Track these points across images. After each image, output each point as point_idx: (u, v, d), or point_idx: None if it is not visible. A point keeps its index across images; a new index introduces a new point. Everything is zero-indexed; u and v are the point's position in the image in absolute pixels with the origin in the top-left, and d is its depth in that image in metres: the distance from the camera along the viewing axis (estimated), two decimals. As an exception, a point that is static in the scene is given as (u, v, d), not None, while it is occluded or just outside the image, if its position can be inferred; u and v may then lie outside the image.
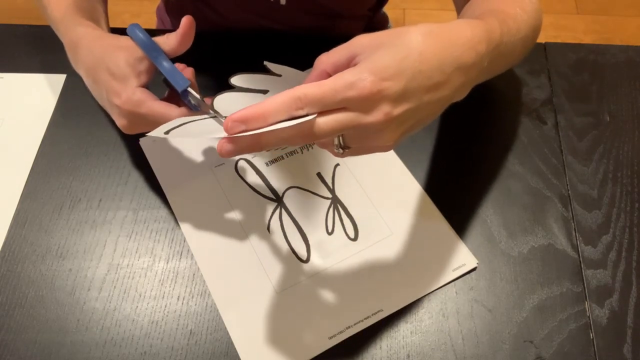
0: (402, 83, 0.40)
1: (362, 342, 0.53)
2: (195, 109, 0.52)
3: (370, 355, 0.53)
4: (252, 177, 0.63)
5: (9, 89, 0.71)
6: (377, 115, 0.40)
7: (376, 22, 0.91)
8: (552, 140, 0.66)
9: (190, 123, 0.49)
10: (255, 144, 0.40)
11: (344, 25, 0.82)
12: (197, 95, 0.51)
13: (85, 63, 0.54)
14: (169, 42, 0.53)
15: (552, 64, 0.72)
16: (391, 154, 0.64)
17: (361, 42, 0.41)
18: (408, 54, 0.40)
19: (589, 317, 0.54)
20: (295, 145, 0.45)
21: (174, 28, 0.88)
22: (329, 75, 0.42)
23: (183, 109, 0.51)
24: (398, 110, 0.40)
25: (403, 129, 0.42)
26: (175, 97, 0.54)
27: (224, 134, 0.40)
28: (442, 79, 0.41)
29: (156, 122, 0.50)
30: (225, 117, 0.46)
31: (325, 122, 0.40)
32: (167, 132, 0.48)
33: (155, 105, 0.50)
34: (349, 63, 0.42)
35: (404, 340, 0.53)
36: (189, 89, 0.51)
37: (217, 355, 0.53)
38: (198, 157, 0.64)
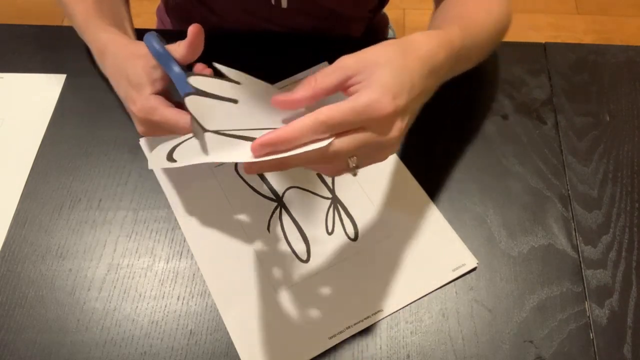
0: (405, 98, 0.44)
1: (362, 342, 0.53)
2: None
3: (370, 355, 0.53)
4: (252, 177, 0.63)
5: (9, 89, 0.71)
6: (394, 132, 0.44)
7: (376, 23, 0.91)
8: (552, 140, 0.66)
9: (187, 142, 0.49)
10: (281, 165, 0.42)
11: (344, 27, 0.82)
12: None
13: (110, 70, 0.57)
14: (179, 50, 0.54)
15: (552, 64, 0.72)
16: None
17: (349, 63, 0.44)
18: (400, 71, 0.44)
19: (589, 317, 0.54)
20: (314, 166, 0.46)
21: (173, 29, 0.89)
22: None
23: (188, 115, 0.52)
24: (405, 122, 0.45)
25: (404, 133, 0.46)
26: None
27: (242, 157, 0.42)
28: (423, 86, 0.46)
29: (169, 129, 0.52)
30: (202, 124, 0.46)
31: (346, 142, 0.42)
32: (170, 159, 0.48)
33: (166, 112, 0.52)
34: (343, 86, 0.44)
35: (404, 340, 0.53)
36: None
37: (217, 355, 0.53)
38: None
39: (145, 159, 0.64)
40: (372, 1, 0.82)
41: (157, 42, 0.53)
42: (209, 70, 0.54)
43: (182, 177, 0.63)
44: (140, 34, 0.62)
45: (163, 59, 0.53)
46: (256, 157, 0.41)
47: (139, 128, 0.55)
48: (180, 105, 0.53)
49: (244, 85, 0.48)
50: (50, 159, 0.65)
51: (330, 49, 0.58)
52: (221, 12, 0.79)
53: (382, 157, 0.47)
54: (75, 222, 0.60)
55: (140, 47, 0.55)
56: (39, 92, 0.71)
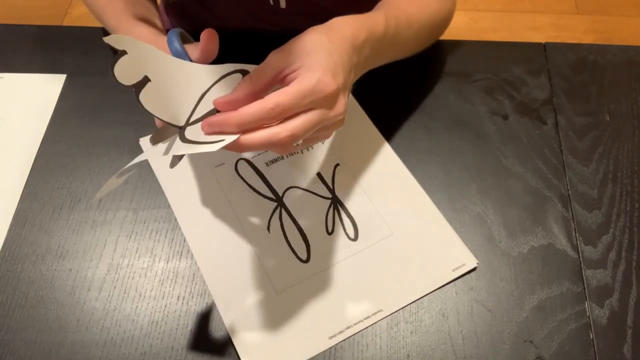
0: (343, 75, 0.48)
1: (362, 342, 0.53)
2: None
3: (370, 355, 0.53)
4: (252, 177, 0.63)
5: (9, 89, 0.71)
6: (339, 108, 0.47)
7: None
8: (552, 140, 0.66)
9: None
10: (237, 148, 0.44)
11: None
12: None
13: None
14: (193, 53, 0.53)
15: (552, 64, 0.72)
16: (391, 154, 0.64)
17: (277, 59, 0.47)
18: (331, 52, 0.47)
19: (589, 317, 0.54)
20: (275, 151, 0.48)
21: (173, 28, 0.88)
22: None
23: None
24: (347, 97, 0.49)
25: (346, 107, 0.49)
26: None
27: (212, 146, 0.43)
28: (353, 64, 0.50)
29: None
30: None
31: (300, 123, 0.45)
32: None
33: None
34: (276, 79, 0.47)
35: (404, 340, 0.53)
36: None
37: (217, 355, 0.53)
38: (198, 157, 0.64)
39: (145, 159, 0.64)
40: (370, 3, 0.82)
41: (178, 40, 0.52)
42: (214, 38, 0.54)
43: (182, 177, 0.63)
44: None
45: (181, 58, 0.51)
46: (206, 134, 0.45)
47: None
48: None
49: (130, 52, 0.47)
50: (50, 159, 0.65)
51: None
52: (219, 12, 0.79)
53: (328, 134, 0.50)
54: (75, 222, 0.60)
55: (164, 44, 0.55)
56: (39, 92, 0.71)
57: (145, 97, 0.48)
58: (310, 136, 0.48)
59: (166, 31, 0.55)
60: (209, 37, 0.52)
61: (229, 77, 0.50)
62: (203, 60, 0.53)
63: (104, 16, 0.64)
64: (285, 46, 0.48)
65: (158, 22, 0.63)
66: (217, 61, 0.49)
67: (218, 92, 0.49)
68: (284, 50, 0.47)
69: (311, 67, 0.46)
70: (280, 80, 0.47)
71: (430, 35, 0.68)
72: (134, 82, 0.47)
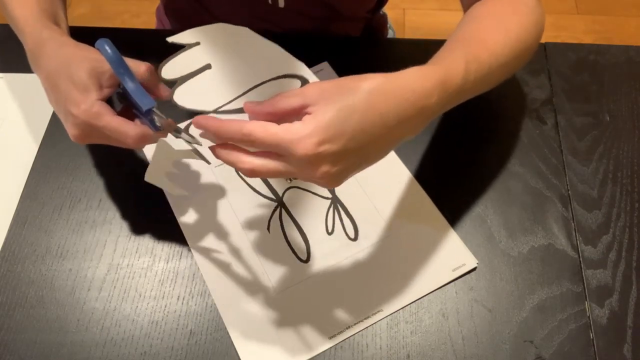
0: (341, 144, 0.42)
1: (362, 342, 0.53)
2: (156, 129, 0.51)
3: (370, 355, 0.53)
4: (252, 178, 0.63)
5: (9, 89, 0.71)
6: (315, 173, 0.43)
7: (375, 23, 0.91)
8: (552, 140, 0.66)
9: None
10: (213, 153, 0.46)
11: (342, 28, 0.82)
12: (163, 116, 0.50)
13: (47, 68, 0.53)
14: (138, 69, 0.52)
15: (552, 64, 0.72)
16: (391, 154, 0.64)
17: (310, 91, 0.44)
18: (351, 113, 0.42)
19: (589, 317, 0.54)
20: None
21: (173, 29, 0.89)
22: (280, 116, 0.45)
23: (140, 127, 0.50)
24: (336, 168, 0.43)
25: (344, 175, 0.45)
26: (129, 112, 0.53)
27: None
28: (383, 132, 0.44)
29: (110, 137, 0.50)
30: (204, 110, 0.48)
31: (261, 163, 0.44)
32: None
33: (113, 120, 0.50)
34: (300, 111, 0.44)
35: (404, 340, 0.53)
36: (154, 109, 0.50)
37: (217, 355, 0.53)
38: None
39: (145, 159, 0.64)
40: (371, 0, 0.82)
41: (112, 48, 0.51)
42: (163, 87, 0.53)
43: (183, 177, 0.63)
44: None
45: (118, 67, 0.50)
46: (196, 127, 0.46)
47: (74, 131, 0.51)
48: (126, 116, 0.51)
49: (204, 42, 0.48)
50: (50, 159, 0.65)
51: (330, 48, 0.59)
52: (217, 11, 0.79)
53: (315, 183, 0.46)
54: (75, 222, 0.60)
55: (89, 50, 0.53)
56: (39, 92, 0.70)
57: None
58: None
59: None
60: (146, 71, 0.52)
61: (285, 79, 0.50)
62: (151, 81, 0.52)
63: (10, 7, 0.59)
64: (330, 82, 0.44)
65: (65, 28, 0.60)
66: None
67: (269, 89, 0.49)
68: (323, 86, 0.44)
69: (309, 120, 0.42)
70: (300, 113, 0.44)
71: (521, 58, 0.58)
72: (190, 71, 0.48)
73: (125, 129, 0.49)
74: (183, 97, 0.47)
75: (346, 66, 0.46)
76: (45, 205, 0.61)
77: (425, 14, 1.87)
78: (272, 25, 0.78)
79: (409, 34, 1.80)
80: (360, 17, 0.84)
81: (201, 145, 0.50)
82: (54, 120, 0.68)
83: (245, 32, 0.48)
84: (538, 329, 0.54)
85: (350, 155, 0.43)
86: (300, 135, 0.41)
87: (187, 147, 0.53)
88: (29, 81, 0.71)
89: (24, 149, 0.65)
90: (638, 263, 0.57)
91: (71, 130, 0.52)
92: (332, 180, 0.44)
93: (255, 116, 0.45)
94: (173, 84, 0.49)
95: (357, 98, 0.43)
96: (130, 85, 0.50)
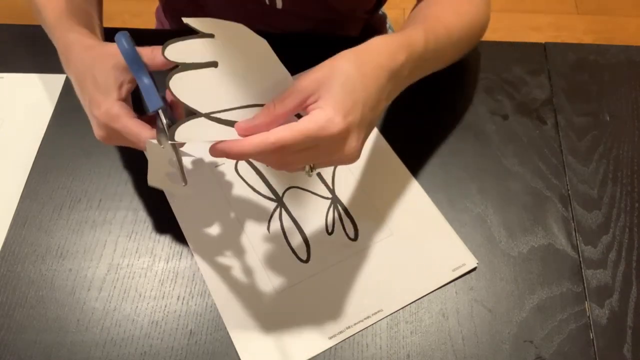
0: (359, 112, 0.46)
1: (362, 342, 0.53)
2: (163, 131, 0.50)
3: (370, 355, 0.53)
4: (252, 177, 0.63)
5: (9, 89, 0.71)
6: (348, 147, 0.46)
7: (374, 23, 0.90)
8: (552, 140, 0.66)
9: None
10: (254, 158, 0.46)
11: (340, 28, 0.82)
12: (164, 121, 0.50)
13: (74, 71, 0.54)
14: (152, 57, 0.52)
15: (552, 64, 0.72)
16: (391, 153, 0.64)
17: (303, 85, 0.46)
18: (353, 84, 0.46)
19: (589, 317, 0.54)
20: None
21: (172, 30, 0.88)
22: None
23: (153, 131, 0.50)
24: (362, 135, 0.47)
25: (363, 145, 0.49)
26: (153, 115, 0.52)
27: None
28: (380, 95, 0.48)
29: (130, 139, 0.51)
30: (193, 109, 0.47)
31: (296, 158, 0.45)
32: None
33: (129, 123, 0.50)
34: (301, 107, 0.46)
35: (404, 340, 0.53)
36: (160, 112, 0.50)
37: (217, 355, 0.53)
38: (197, 157, 0.64)
39: (145, 159, 0.64)
40: (370, 0, 0.82)
41: (129, 42, 0.51)
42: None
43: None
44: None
45: (133, 63, 0.51)
46: (212, 155, 0.46)
47: (98, 133, 0.53)
48: (146, 119, 0.52)
49: (218, 36, 0.48)
50: (50, 159, 0.65)
51: (329, 48, 0.58)
52: (214, 12, 0.79)
53: (341, 164, 0.48)
54: (75, 222, 0.60)
55: (110, 47, 0.53)
56: (39, 92, 0.71)
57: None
58: (323, 165, 0.48)
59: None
60: None
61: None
62: (163, 67, 0.51)
63: (43, 10, 0.60)
64: (313, 71, 0.46)
65: (98, 30, 0.61)
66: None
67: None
68: (310, 77, 0.46)
69: (324, 104, 0.44)
70: (303, 108, 0.46)
71: (469, 43, 0.65)
72: (196, 62, 0.47)
73: (138, 132, 0.50)
74: (179, 86, 0.46)
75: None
76: (45, 205, 0.61)
77: (425, 14, 1.87)
78: (269, 27, 0.78)
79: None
80: (359, 17, 0.84)
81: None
82: (54, 120, 0.68)
83: (262, 45, 0.47)
84: (538, 329, 0.54)
85: (366, 122, 0.47)
86: (327, 118, 0.44)
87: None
88: (29, 81, 0.71)
89: (24, 149, 0.65)
90: (638, 263, 0.57)
91: (96, 132, 0.53)
92: (358, 151, 0.47)
93: (253, 130, 0.45)
94: (174, 66, 0.48)
95: (348, 72, 0.46)
96: (142, 83, 0.51)
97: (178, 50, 0.47)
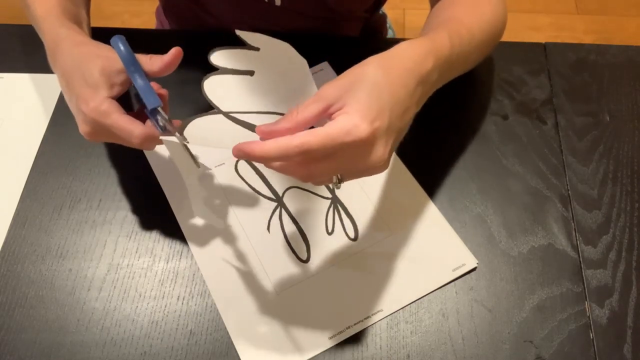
0: (386, 118, 0.44)
1: (362, 342, 0.53)
2: (161, 130, 0.51)
3: (370, 355, 0.53)
4: (252, 177, 0.63)
5: (9, 89, 0.71)
6: (375, 155, 0.44)
7: (374, 23, 0.90)
8: (552, 140, 0.66)
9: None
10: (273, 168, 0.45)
11: (340, 27, 0.82)
12: (166, 116, 0.51)
13: (62, 66, 0.54)
14: (151, 64, 0.52)
15: (552, 64, 0.72)
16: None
17: (328, 92, 0.44)
18: (380, 90, 0.44)
19: (589, 317, 0.54)
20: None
21: (172, 30, 0.88)
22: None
23: (147, 127, 0.51)
24: (389, 143, 0.45)
25: (391, 153, 0.47)
26: (143, 114, 0.53)
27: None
28: (409, 102, 0.47)
29: (118, 136, 0.51)
30: (186, 141, 0.49)
31: (320, 168, 0.44)
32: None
33: (120, 119, 0.50)
34: (322, 115, 0.44)
35: (404, 340, 0.53)
36: (159, 109, 0.51)
37: (217, 355, 0.53)
38: (198, 157, 0.64)
39: (145, 159, 0.64)
40: (369, 0, 0.82)
41: (126, 46, 0.52)
42: (164, 91, 0.54)
43: (182, 177, 0.63)
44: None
45: (130, 65, 0.52)
46: (235, 156, 0.44)
47: (84, 128, 0.53)
48: (136, 115, 0.52)
49: (263, 50, 0.49)
50: (50, 159, 0.65)
51: (329, 48, 0.58)
52: (213, 10, 0.79)
53: (369, 174, 0.47)
54: (75, 222, 0.60)
55: (103, 48, 0.54)
56: (39, 92, 0.71)
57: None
58: (351, 175, 0.46)
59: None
60: (176, 55, 0.52)
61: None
62: (161, 74, 0.53)
63: (32, 4, 0.60)
64: (339, 78, 0.45)
65: (85, 28, 0.61)
66: (206, 63, 0.50)
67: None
68: (335, 84, 0.45)
69: (349, 110, 0.43)
70: (327, 115, 0.44)
71: (491, 44, 0.64)
72: (234, 69, 0.49)
73: (131, 128, 0.50)
74: (212, 86, 0.47)
75: (346, 66, 0.46)
76: (45, 205, 0.61)
77: (425, 14, 1.86)
78: (269, 25, 0.78)
79: (409, 34, 1.80)
80: (359, 16, 0.84)
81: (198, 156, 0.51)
82: (54, 120, 0.68)
83: (302, 64, 0.49)
84: (538, 329, 0.54)
85: (394, 129, 0.45)
86: (353, 123, 0.42)
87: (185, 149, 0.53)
88: (29, 81, 0.71)
89: (24, 149, 0.65)
90: (638, 263, 0.57)
91: (82, 127, 0.53)
92: (386, 161, 0.46)
93: (275, 135, 0.44)
94: (215, 69, 0.50)
95: (374, 78, 0.45)
96: (139, 83, 0.51)
97: (223, 57, 0.49)
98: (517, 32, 1.77)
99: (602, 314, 0.54)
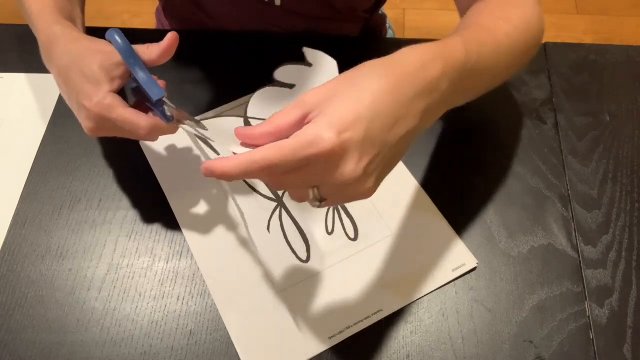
0: (362, 130, 0.39)
1: (362, 342, 0.53)
2: (168, 120, 0.52)
3: (370, 355, 0.53)
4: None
5: (9, 89, 0.71)
6: (345, 169, 0.39)
7: (373, 23, 0.90)
8: (552, 140, 0.66)
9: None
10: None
11: (339, 27, 0.82)
12: (173, 105, 0.51)
13: (59, 63, 0.54)
14: (149, 52, 0.52)
15: (552, 64, 0.72)
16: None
17: (306, 99, 0.41)
18: (361, 98, 0.40)
19: (589, 317, 0.54)
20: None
21: (172, 30, 0.88)
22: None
23: (152, 118, 0.51)
24: (366, 158, 0.40)
25: (377, 174, 0.42)
26: (143, 105, 0.54)
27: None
28: (402, 112, 0.41)
29: (124, 129, 0.51)
30: (201, 130, 0.51)
31: (293, 180, 0.40)
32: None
33: (125, 112, 0.51)
34: (302, 122, 0.41)
35: (404, 340, 0.53)
36: (165, 99, 0.51)
37: (217, 355, 0.53)
38: (198, 157, 0.64)
39: (145, 159, 0.64)
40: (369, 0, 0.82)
41: (123, 39, 0.52)
42: (162, 82, 0.54)
43: (182, 177, 0.63)
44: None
45: (129, 58, 0.52)
46: (203, 174, 0.42)
47: (88, 124, 0.52)
48: (140, 109, 0.52)
49: (314, 66, 0.53)
50: (50, 159, 0.65)
51: (329, 48, 0.58)
52: (213, 11, 0.79)
53: (353, 194, 0.42)
54: (75, 222, 0.60)
55: (100, 43, 0.53)
56: (39, 92, 0.71)
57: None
58: (332, 196, 0.42)
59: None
60: (173, 40, 0.52)
61: None
62: (159, 61, 0.53)
63: (27, 5, 0.60)
64: (328, 82, 0.41)
65: (80, 26, 0.61)
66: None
67: None
68: (321, 89, 0.41)
69: (318, 119, 0.39)
70: (307, 123, 0.40)
71: (524, 51, 0.56)
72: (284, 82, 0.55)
73: (138, 121, 0.50)
74: (260, 100, 0.50)
75: (346, 66, 0.45)
76: (45, 205, 0.61)
77: (425, 14, 1.87)
78: (268, 26, 0.78)
79: (409, 34, 1.80)
80: (358, 16, 0.84)
81: (213, 140, 0.51)
82: (54, 120, 0.68)
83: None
84: (538, 329, 0.54)
85: (376, 143, 0.40)
86: (315, 133, 0.38)
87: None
88: (29, 81, 0.71)
89: (24, 149, 0.65)
90: (638, 263, 0.57)
91: (85, 124, 0.53)
92: (368, 174, 0.40)
93: (253, 140, 0.41)
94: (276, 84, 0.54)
95: (363, 84, 0.40)
96: (140, 76, 0.51)
97: (285, 72, 0.53)
98: (517, 32, 1.77)
99: (602, 314, 0.54)
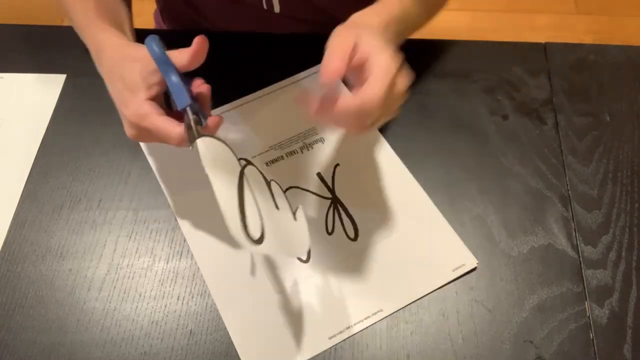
0: (393, 48, 0.51)
1: (362, 342, 0.53)
2: (189, 128, 0.51)
3: (370, 355, 0.53)
4: (252, 177, 0.63)
5: (9, 89, 0.71)
6: (404, 72, 0.50)
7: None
8: (552, 140, 0.66)
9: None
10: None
11: None
12: (191, 117, 0.51)
13: (105, 71, 0.56)
14: (181, 57, 0.52)
15: (552, 64, 0.72)
16: (391, 154, 0.64)
17: (343, 31, 0.52)
18: (377, 30, 0.52)
19: (589, 317, 0.54)
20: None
21: (171, 30, 0.88)
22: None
23: (182, 127, 0.51)
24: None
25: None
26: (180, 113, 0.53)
27: None
28: (392, 36, 0.54)
29: (160, 137, 0.51)
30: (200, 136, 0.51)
31: (393, 96, 0.49)
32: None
33: (158, 120, 0.51)
34: (352, 46, 0.50)
35: (404, 340, 0.53)
36: (187, 109, 0.51)
37: (217, 355, 0.53)
38: (198, 157, 0.64)
39: (145, 159, 0.64)
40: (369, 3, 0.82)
41: (158, 46, 0.52)
42: (206, 87, 0.54)
43: (182, 177, 0.63)
44: (139, 34, 0.62)
45: (163, 64, 0.52)
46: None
47: (129, 131, 0.54)
48: (174, 115, 0.52)
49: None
50: (50, 159, 0.65)
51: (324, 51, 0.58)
52: (211, 16, 0.79)
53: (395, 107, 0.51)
54: (75, 222, 0.60)
55: (139, 49, 0.54)
56: (39, 92, 0.71)
57: None
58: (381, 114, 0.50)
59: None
60: (201, 43, 0.52)
61: None
62: (190, 66, 0.52)
63: (72, 13, 0.62)
64: (344, 24, 0.53)
65: (127, 29, 0.62)
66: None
67: None
68: (346, 25, 0.53)
69: (374, 48, 0.49)
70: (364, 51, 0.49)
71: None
72: None
73: (169, 129, 0.51)
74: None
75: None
76: (45, 205, 0.61)
77: (425, 14, 1.87)
78: (267, 30, 0.78)
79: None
80: None
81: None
82: (54, 120, 0.68)
83: None
84: (538, 329, 0.54)
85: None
86: (387, 59, 0.48)
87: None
88: (29, 81, 0.71)
89: (24, 149, 0.65)
90: (638, 263, 0.57)
91: (127, 130, 0.54)
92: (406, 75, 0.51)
93: (337, 62, 0.48)
94: None
95: (370, 20, 0.54)
96: (171, 82, 0.51)
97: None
98: (517, 32, 1.77)
99: (602, 314, 0.54)
